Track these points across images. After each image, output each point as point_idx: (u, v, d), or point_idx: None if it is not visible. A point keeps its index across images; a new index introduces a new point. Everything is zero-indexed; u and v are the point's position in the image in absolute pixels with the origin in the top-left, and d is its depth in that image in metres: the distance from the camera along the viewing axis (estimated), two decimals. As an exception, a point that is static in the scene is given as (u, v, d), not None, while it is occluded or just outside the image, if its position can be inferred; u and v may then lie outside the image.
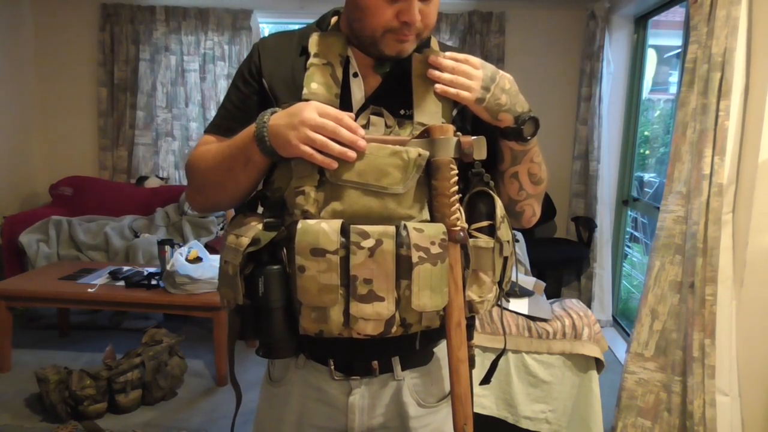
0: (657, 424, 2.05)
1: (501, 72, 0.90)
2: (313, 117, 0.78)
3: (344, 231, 0.77)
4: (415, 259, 0.77)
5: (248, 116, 0.88)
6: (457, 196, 0.82)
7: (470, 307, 0.85)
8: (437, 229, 0.79)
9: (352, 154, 0.79)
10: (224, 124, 0.96)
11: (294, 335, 0.83)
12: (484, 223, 0.85)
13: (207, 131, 0.99)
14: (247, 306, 0.83)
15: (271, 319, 0.81)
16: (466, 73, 0.87)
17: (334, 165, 0.79)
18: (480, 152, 0.83)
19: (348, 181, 0.80)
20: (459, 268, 0.82)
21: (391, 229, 0.78)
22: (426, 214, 0.82)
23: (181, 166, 4.38)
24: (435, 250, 0.78)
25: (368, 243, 0.76)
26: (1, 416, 2.52)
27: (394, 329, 0.80)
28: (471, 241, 0.84)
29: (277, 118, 0.81)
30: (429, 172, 0.82)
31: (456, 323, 0.82)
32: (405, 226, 0.78)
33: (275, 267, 0.81)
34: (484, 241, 0.85)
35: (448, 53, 0.91)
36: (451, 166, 0.81)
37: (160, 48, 4.25)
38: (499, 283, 0.88)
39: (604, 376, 2.23)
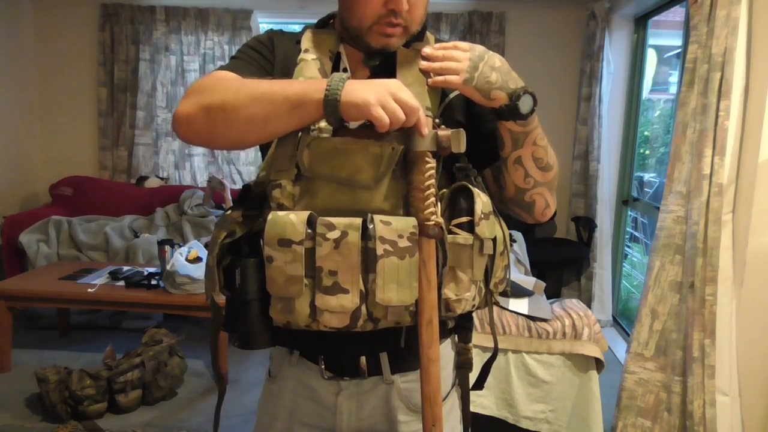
0: (657, 424, 2.05)
1: (491, 52, 0.88)
2: (398, 90, 0.77)
3: (312, 223, 0.76)
4: (379, 252, 0.75)
5: (264, 75, 0.85)
6: (432, 190, 0.80)
7: (447, 306, 0.82)
8: (407, 223, 0.77)
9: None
10: (244, 67, 0.92)
11: (269, 327, 0.82)
12: (463, 219, 0.82)
13: (222, 69, 0.91)
14: (228, 297, 0.83)
15: (247, 309, 0.81)
16: (454, 58, 0.86)
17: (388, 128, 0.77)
18: (458, 145, 0.80)
19: (322, 174, 0.79)
20: (433, 264, 0.80)
21: (357, 221, 0.76)
22: (401, 209, 0.80)
23: (182, 167, 4.38)
24: (403, 243, 0.76)
25: (333, 235, 0.75)
26: (1, 416, 2.52)
27: (360, 323, 0.78)
28: (450, 237, 0.81)
29: (355, 81, 0.79)
30: (406, 165, 0.81)
31: (427, 321, 0.80)
32: (372, 219, 0.77)
33: (252, 259, 0.81)
34: (462, 237, 0.81)
35: (436, 45, 0.90)
36: (427, 159, 0.79)
37: (160, 48, 4.25)
38: (486, 284, 0.85)
39: (604, 376, 2.23)
